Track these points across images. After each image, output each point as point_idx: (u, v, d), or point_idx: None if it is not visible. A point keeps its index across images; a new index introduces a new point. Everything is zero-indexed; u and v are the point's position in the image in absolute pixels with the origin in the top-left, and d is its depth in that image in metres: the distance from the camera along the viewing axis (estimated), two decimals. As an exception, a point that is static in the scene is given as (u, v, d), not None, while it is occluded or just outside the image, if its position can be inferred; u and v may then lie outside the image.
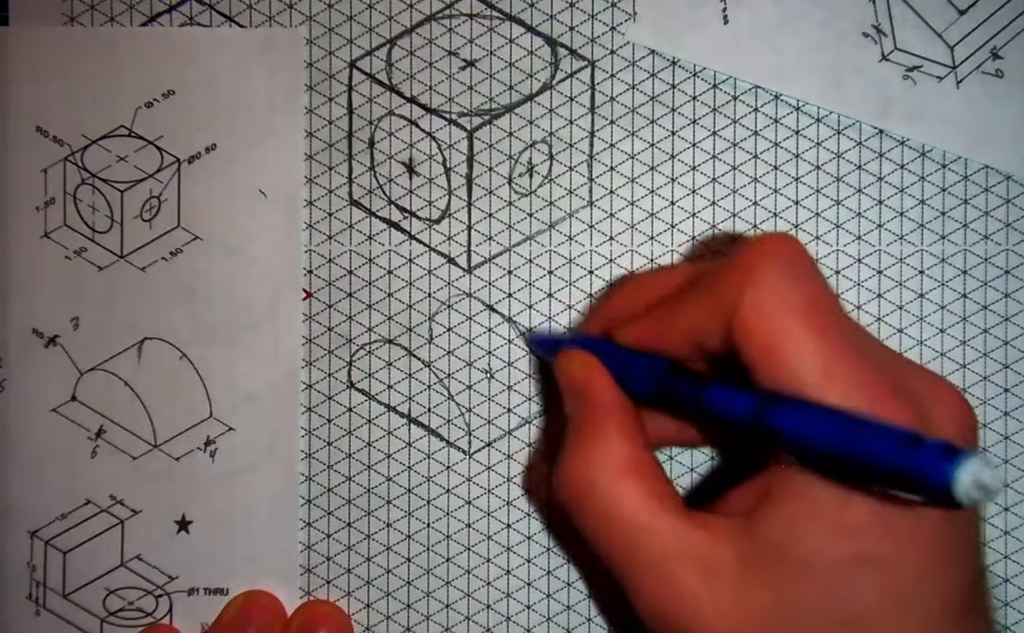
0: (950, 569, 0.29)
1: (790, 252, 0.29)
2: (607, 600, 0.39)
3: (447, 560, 0.39)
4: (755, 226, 0.39)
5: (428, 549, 0.39)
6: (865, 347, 0.29)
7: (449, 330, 0.39)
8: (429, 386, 0.39)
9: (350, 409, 0.39)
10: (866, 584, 0.28)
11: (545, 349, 0.38)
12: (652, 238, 0.39)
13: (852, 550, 0.28)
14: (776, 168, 0.39)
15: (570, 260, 0.39)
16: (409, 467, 0.39)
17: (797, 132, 0.39)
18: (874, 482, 0.27)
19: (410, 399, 0.39)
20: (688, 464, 0.39)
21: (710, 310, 0.30)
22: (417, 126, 0.39)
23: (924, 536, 0.28)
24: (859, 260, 0.39)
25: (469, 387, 0.39)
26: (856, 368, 0.28)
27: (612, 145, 0.39)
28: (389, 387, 0.39)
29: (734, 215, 0.39)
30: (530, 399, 0.39)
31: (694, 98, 0.39)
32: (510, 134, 0.39)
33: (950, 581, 0.29)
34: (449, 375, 0.39)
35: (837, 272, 0.39)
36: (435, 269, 0.39)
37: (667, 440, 0.35)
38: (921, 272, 0.39)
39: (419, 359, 0.39)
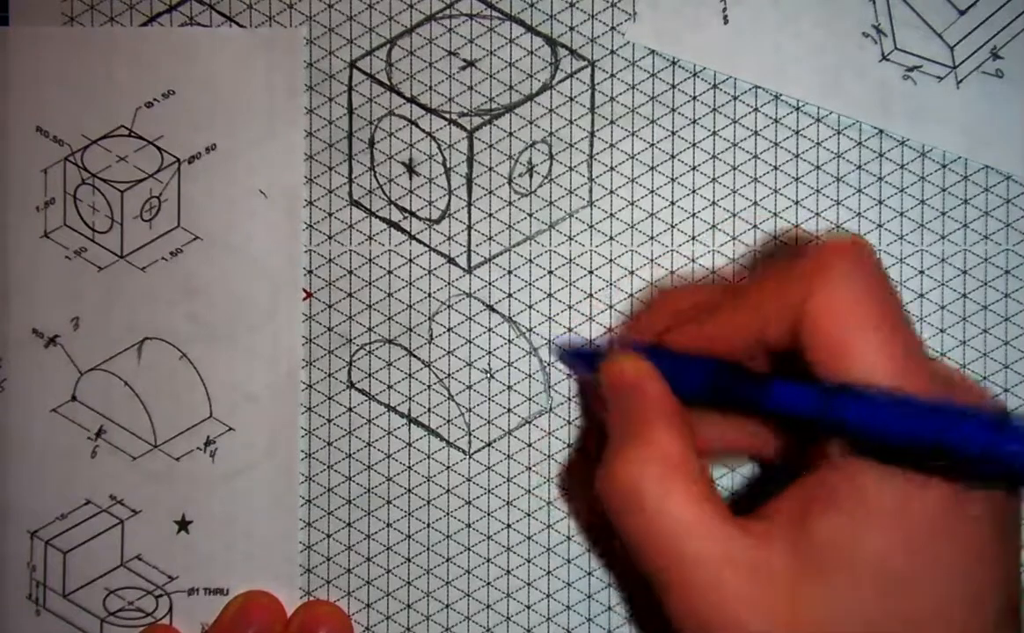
0: (999, 575, 0.29)
1: (862, 254, 0.29)
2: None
3: (447, 560, 0.39)
4: (755, 226, 0.39)
5: (428, 549, 0.39)
6: (926, 355, 0.29)
7: (449, 330, 0.39)
8: (429, 386, 0.39)
9: (350, 409, 0.39)
10: (924, 587, 0.28)
11: (583, 361, 0.37)
12: (652, 238, 0.39)
13: (905, 557, 0.28)
14: (776, 168, 0.39)
15: (570, 260, 0.39)
16: (409, 467, 0.39)
17: (797, 132, 0.39)
18: (954, 469, 0.27)
19: (410, 399, 0.39)
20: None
21: (775, 308, 0.30)
22: (417, 126, 0.39)
23: (973, 545, 0.28)
24: (859, 260, 0.39)
25: (469, 387, 0.39)
26: (918, 366, 0.28)
27: (612, 145, 0.39)
28: (389, 387, 0.39)
29: (734, 215, 0.39)
30: (530, 399, 0.39)
31: (694, 98, 0.39)
32: (510, 134, 0.39)
33: (998, 587, 0.29)
34: (449, 375, 0.39)
35: (837, 272, 0.39)
36: (435, 269, 0.39)
37: (714, 451, 0.35)
38: (921, 272, 0.39)
39: (419, 359, 0.39)
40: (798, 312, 0.29)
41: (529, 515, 0.39)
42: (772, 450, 0.35)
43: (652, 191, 0.39)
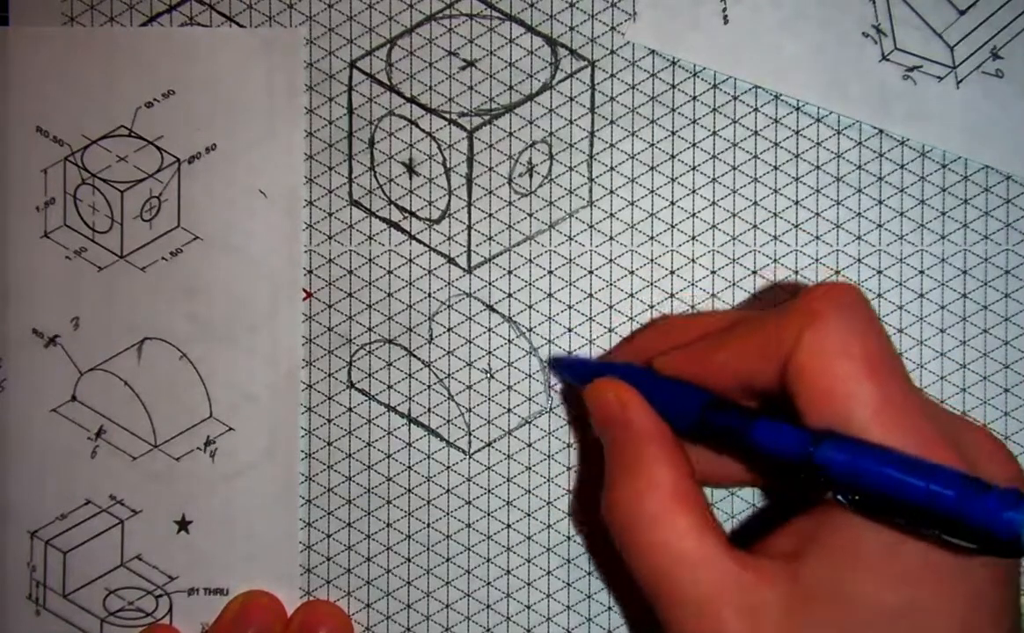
0: (990, 622, 0.29)
1: (853, 300, 0.30)
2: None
3: (447, 560, 0.39)
4: (755, 226, 0.39)
5: (428, 549, 0.39)
6: (920, 399, 0.29)
7: (449, 330, 0.39)
8: (429, 386, 0.39)
9: (350, 409, 0.39)
10: (912, 630, 0.28)
11: (574, 374, 0.38)
12: (652, 238, 0.39)
13: (898, 598, 0.28)
14: (776, 168, 0.39)
15: (570, 260, 0.39)
16: (409, 467, 0.39)
17: (797, 132, 0.39)
18: (927, 526, 0.27)
19: (410, 399, 0.39)
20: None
21: (764, 348, 0.30)
22: (417, 126, 0.39)
23: (968, 588, 0.28)
24: (859, 260, 0.39)
25: (469, 387, 0.39)
26: (908, 416, 0.28)
27: (612, 145, 0.39)
28: (389, 387, 0.39)
29: (734, 215, 0.39)
30: (530, 399, 0.39)
31: (694, 98, 0.39)
32: (510, 134, 0.39)
33: (995, 630, 0.29)
34: (449, 375, 0.39)
35: (837, 272, 0.39)
36: (435, 269, 0.39)
37: (706, 478, 0.35)
38: (921, 272, 0.39)
39: (419, 359, 0.39)
40: (787, 357, 0.29)
41: (529, 515, 0.39)
42: (760, 484, 0.35)
43: (652, 191, 0.39)
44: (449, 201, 0.39)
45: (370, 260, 0.39)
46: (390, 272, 0.39)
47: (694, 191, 0.39)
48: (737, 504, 0.39)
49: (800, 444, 0.29)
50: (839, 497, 0.28)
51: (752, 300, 0.39)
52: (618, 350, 0.38)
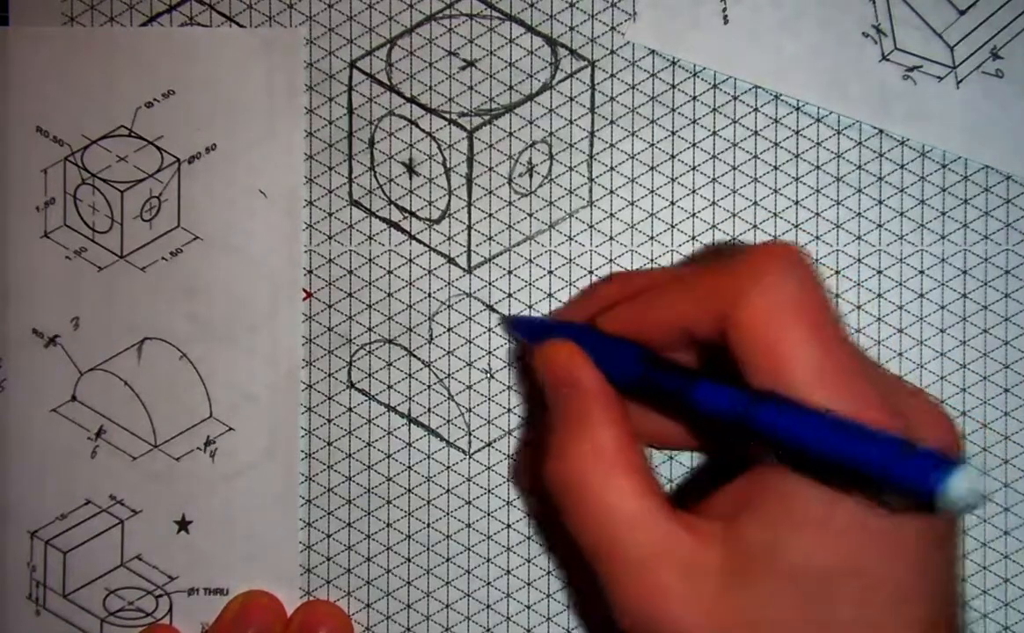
0: (929, 585, 0.29)
1: (797, 261, 0.30)
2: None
3: (447, 560, 0.39)
4: (755, 226, 0.39)
5: (428, 549, 0.39)
6: (861, 361, 0.29)
7: (449, 330, 0.39)
8: (429, 386, 0.39)
9: (350, 409, 0.39)
10: (846, 594, 0.28)
11: (525, 332, 0.38)
12: (652, 238, 0.39)
13: (834, 559, 0.28)
14: (776, 168, 0.39)
15: (570, 260, 0.39)
16: (409, 467, 0.39)
17: (797, 132, 0.39)
18: (860, 487, 0.27)
19: (410, 399, 0.39)
20: (686, 462, 0.39)
21: (704, 302, 0.30)
22: (417, 126, 0.39)
23: (906, 551, 0.28)
24: (859, 260, 0.39)
25: (469, 387, 0.39)
26: (849, 377, 0.28)
27: (612, 145, 0.39)
28: (389, 387, 0.39)
29: (734, 215, 0.39)
30: (530, 398, 0.39)
31: (694, 98, 0.39)
32: (510, 134, 0.39)
33: (927, 597, 0.29)
34: (449, 375, 0.39)
35: (837, 272, 0.39)
36: (435, 269, 0.39)
37: (645, 437, 0.35)
38: (921, 272, 0.39)
39: (419, 359, 0.39)
40: (729, 313, 0.29)
41: (529, 515, 0.39)
42: (700, 446, 0.35)
43: (652, 191, 0.39)
44: (449, 201, 0.39)
45: (370, 260, 0.39)
46: (390, 272, 0.39)
47: (694, 191, 0.39)
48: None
49: (740, 405, 0.29)
50: (775, 457, 0.28)
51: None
52: (571, 306, 0.38)
